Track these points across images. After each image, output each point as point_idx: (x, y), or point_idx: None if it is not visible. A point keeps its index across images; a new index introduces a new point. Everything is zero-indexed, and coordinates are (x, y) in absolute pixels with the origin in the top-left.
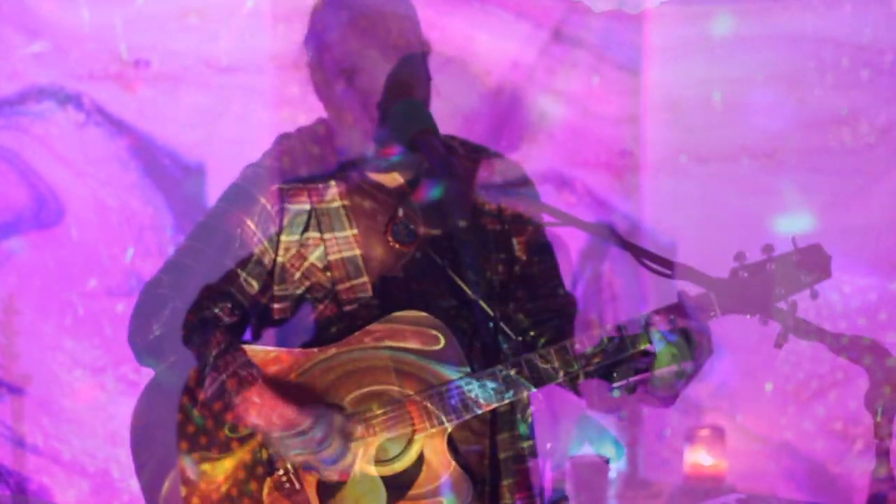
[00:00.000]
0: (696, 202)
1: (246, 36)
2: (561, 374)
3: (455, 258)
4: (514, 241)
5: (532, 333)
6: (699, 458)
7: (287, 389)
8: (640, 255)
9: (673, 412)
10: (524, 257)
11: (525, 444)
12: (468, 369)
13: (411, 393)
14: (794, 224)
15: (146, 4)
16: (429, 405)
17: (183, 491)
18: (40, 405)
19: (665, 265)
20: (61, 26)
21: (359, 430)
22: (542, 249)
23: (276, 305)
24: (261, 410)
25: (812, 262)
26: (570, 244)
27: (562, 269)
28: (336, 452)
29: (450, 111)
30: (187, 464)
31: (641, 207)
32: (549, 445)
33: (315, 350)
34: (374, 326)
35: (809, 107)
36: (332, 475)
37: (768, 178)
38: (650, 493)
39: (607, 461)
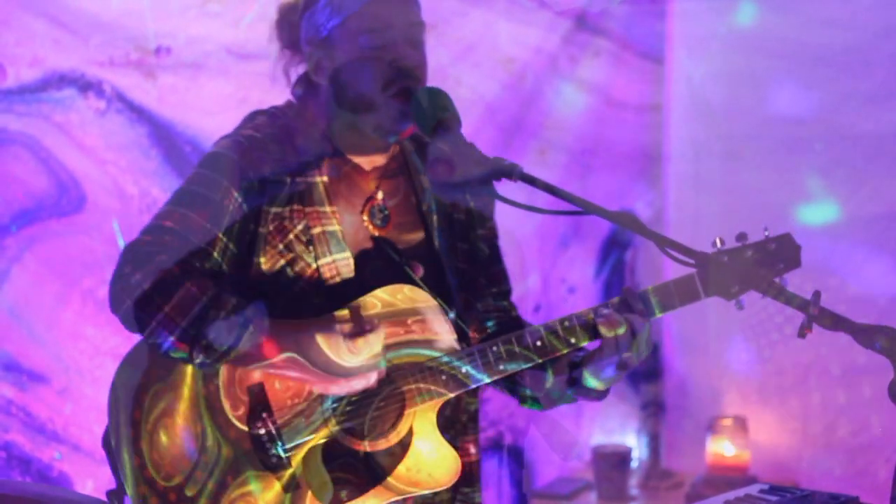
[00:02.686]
0: (719, 191)
1: (268, 23)
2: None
3: (430, 242)
4: (478, 232)
5: (486, 325)
6: (722, 448)
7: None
8: (663, 243)
9: (696, 402)
10: (486, 250)
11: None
12: (456, 347)
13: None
14: (818, 212)
15: None
16: (420, 380)
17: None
18: (61, 393)
19: (688, 254)
20: (82, 13)
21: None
22: (497, 249)
23: (255, 278)
24: (267, 343)
25: (784, 251)
26: (592, 233)
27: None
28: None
29: (472, 99)
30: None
31: (665, 196)
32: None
33: (300, 322)
34: (365, 297)
35: (834, 94)
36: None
37: (792, 167)
38: (672, 482)
39: (629, 451)
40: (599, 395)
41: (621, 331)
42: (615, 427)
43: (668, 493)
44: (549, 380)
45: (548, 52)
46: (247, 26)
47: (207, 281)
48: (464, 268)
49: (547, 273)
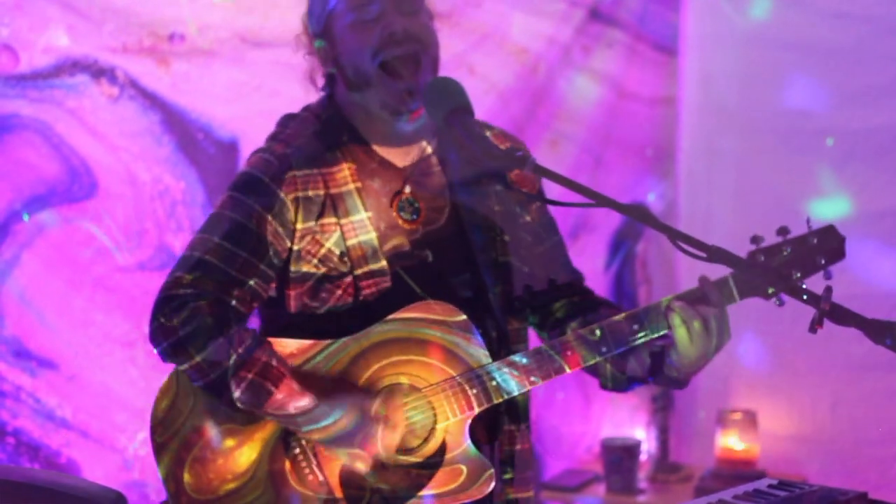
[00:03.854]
0: (731, 184)
1: (281, 10)
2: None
3: (465, 239)
4: (526, 218)
5: (541, 313)
6: (731, 442)
7: (314, 382)
8: (676, 237)
9: (705, 395)
10: (529, 238)
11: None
12: (489, 358)
13: (431, 383)
14: (830, 207)
15: None
16: (450, 393)
17: (200, 469)
18: (70, 379)
19: (700, 248)
20: None
21: (393, 406)
22: (547, 227)
23: (291, 292)
24: (294, 404)
25: (826, 243)
26: (603, 225)
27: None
28: (352, 426)
29: (485, 89)
30: (213, 436)
31: (677, 189)
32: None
33: (345, 339)
34: (399, 314)
35: (847, 88)
36: (356, 459)
37: (805, 161)
38: (681, 476)
39: (638, 444)
40: (680, 384)
41: (695, 324)
42: (624, 420)
43: (677, 486)
44: (631, 368)
45: (561, 42)
46: (261, 14)
47: (243, 333)
48: (505, 261)
49: None
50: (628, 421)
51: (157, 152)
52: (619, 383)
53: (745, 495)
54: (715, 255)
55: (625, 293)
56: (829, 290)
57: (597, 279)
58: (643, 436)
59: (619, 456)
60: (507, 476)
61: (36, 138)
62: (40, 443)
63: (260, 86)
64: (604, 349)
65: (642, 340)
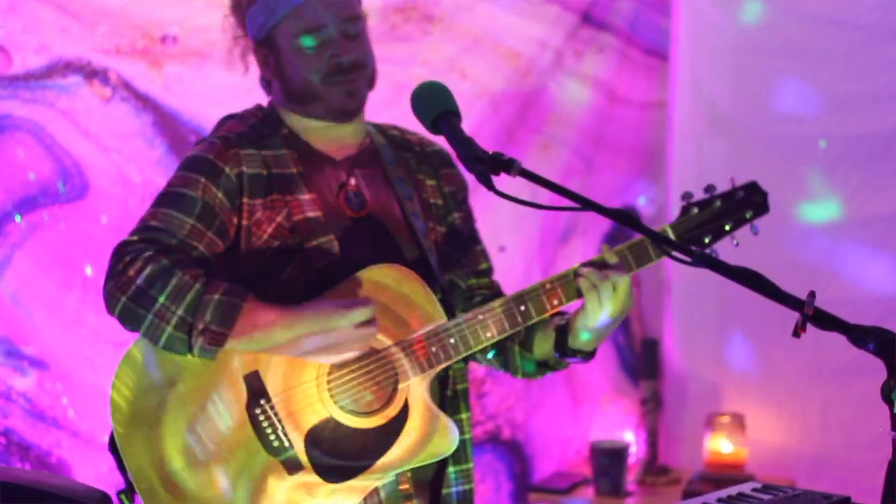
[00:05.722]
0: (722, 188)
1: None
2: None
3: (408, 225)
4: (455, 214)
5: (473, 303)
6: (719, 445)
7: None
8: (661, 241)
9: (695, 399)
10: (465, 231)
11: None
12: (445, 318)
13: (389, 343)
14: (820, 211)
15: None
16: (409, 352)
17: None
18: (61, 380)
19: (685, 252)
20: (89, 1)
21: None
22: (474, 230)
23: (243, 270)
24: (263, 317)
25: (752, 198)
26: (593, 228)
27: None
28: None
29: (476, 92)
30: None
31: (667, 193)
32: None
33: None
34: (353, 278)
35: (838, 94)
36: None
37: (795, 166)
38: (669, 479)
39: (627, 447)
40: (586, 357)
41: (604, 286)
42: (613, 423)
43: (666, 489)
44: (538, 346)
45: (553, 46)
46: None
47: (198, 269)
48: (444, 250)
49: (547, 267)
50: (617, 424)
51: (149, 154)
52: (528, 369)
53: (728, 499)
54: (700, 259)
55: None
56: (812, 294)
57: None
58: (632, 439)
59: (608, 459)
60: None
61: (28, 139)
62: (31, 443)
63: (252, 88)
64: (520, 320)
65: (556, 309)
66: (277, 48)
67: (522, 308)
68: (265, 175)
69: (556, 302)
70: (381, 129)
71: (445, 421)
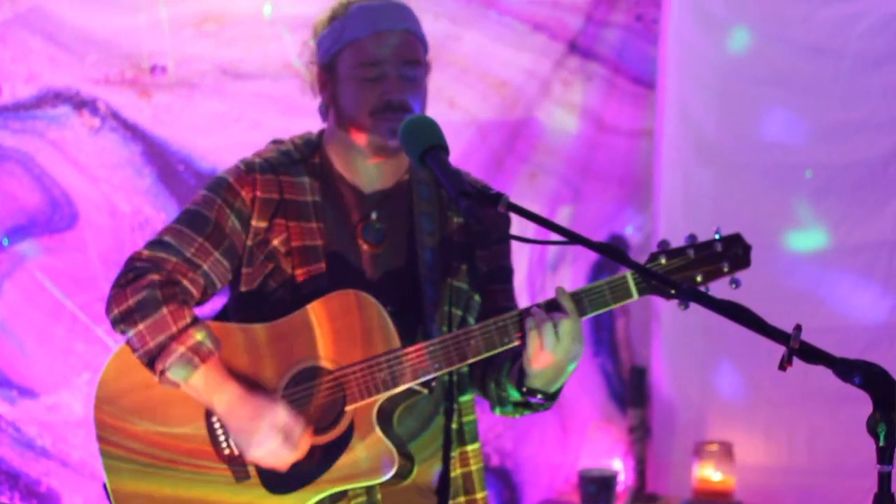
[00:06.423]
0: (709, 217)
1: (263, 43)
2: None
3: (414, 259)
4: (477, 254)
5: None
6: (707, 472)
7: (237, 362)
8: (645, 274)
9: (683, 426)
10: (485, 269)
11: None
12: (399, 344)
13: (344, 365)
14: (806, 240)
15: (163, 10)
16: (360, 377)
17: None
18: (50, 409)
19: (669, 284)
20: (78, 31)
21: (297, 426)
22: (501, 271)
23: (243, 289)
24: (212, 385)
25: (731, 250)
26: (581, 257)
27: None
28: (270, 448)
29: (465, 122)
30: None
31: (655, 221)
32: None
33: (262, 325)
34: (314, 303)
35: (824, 123)
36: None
37: (782, 194)
38: None
39: (615, 474)
40: (546, 397)
41: (546, 328)
42: (601, 450)
43: None
44: (509, 383)
45: (541, 76)
46: (242, 47)
47: (185, 310)
48: (460, 287)
49: (535, 296)
50: (605, 452)
51: (138, 184)
52: (505, 407)
53: None
54: (684, 293)
55: (603, 325)
56: (798, 328)
57: None
58: (620, 466)
59: (597, 486)
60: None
61: (17, 169)
62: (20, 471)
63: (240, 117)
64: (469, 354)
65: (505, 347)
66: (337, 75)
67: (472, 342)
68: (276, 200)
69: (505, 339)
70: None
71: (386, 446)
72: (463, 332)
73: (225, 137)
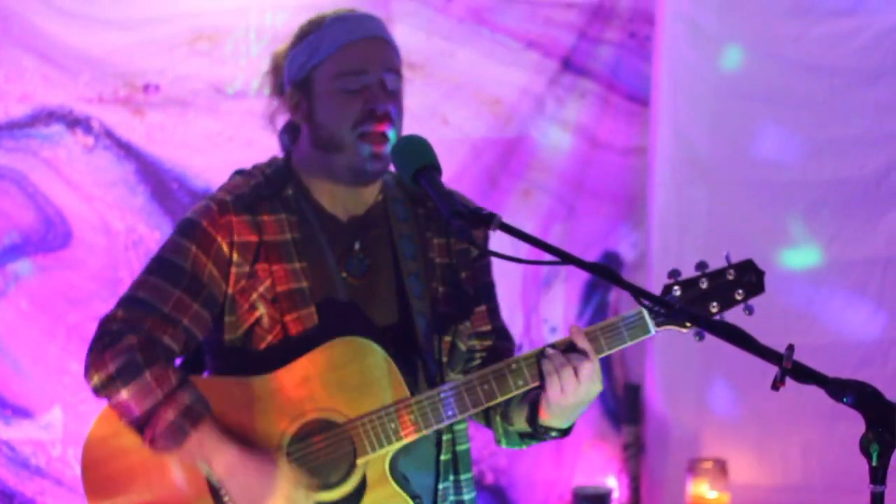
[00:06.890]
0: (703, 233)
1: (256, 61)
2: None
3: (402, 287)
4: (462, 274)
5: (471, 365)
6: (702, 490)
7: (234, 418)
8: (638, 294)
9: (677, 444)
10: (471, 292)
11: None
12: (408, 393)
13: (352, 417)
14: (800, 257)
15: (156, 29)
16: (370, 428)
17: None
18: (45, 428)
19: (662, 305)
20: (72, 50)
21: (299, 487)
22: (486, 288)
23: (226, 336)
24: (208, 450)
25: (744, 277)
26: (574, 275)
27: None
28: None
29: (458, 139)
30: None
31: (649, 238)
32: None
33: (260, 377)
34: (314, 352)
35: (817, 139)
36: None
37: (775, 211)
38: None
39: (610, 492)
40: (560, 433)
41: (565, 373)
42: (595, 468)
43: None
44: (517, 418)
45: (534, 93)
46: (234, 65)
47: (169, 372)
48: (445, 311)
49: (529, 313)
50: (600, 469)
51: (132, 202)
52: (512, 439)
53: None
54: (676, 312)
55: None
56: (791, 348)
57: (569, 328)
58: (614, 483)
59: (591, 503)
60: None
61: (11, 188)
62: (14, 490)
63: (233, 136)
64: (483, 399)
65: (522, 390)
66: (313, 91)
67: (486, 387)
68: (255, 242)
69: (520, 382)
70: (401, 180)
71: (403, 499)
72: (477, 377)
73: (218, 155)
